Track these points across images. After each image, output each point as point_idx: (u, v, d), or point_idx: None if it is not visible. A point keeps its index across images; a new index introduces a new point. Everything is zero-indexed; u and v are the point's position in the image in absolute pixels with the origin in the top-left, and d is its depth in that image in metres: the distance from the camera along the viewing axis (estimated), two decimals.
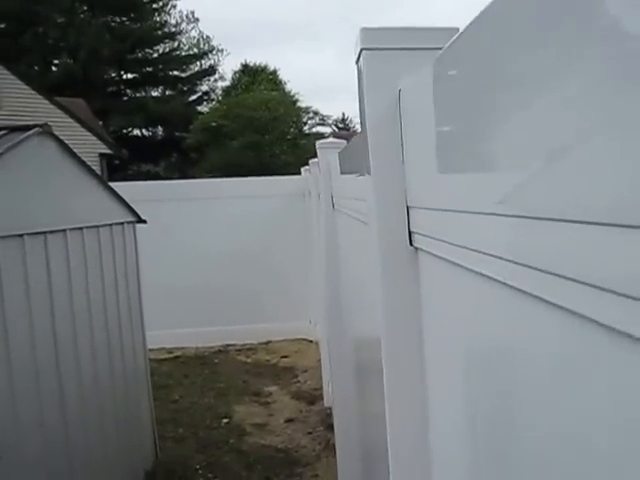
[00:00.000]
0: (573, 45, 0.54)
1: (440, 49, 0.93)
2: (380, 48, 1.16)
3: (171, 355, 7.28)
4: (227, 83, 32.70)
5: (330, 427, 4.36)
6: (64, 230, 3.44)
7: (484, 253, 0.78)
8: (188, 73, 32.56)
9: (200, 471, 4.62)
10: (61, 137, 3.57)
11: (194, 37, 32.23)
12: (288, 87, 31.03)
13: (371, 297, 1.44)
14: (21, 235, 3.04)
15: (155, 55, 31.56)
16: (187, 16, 31.68)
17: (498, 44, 0.73)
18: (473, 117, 0.83)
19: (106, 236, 3.92)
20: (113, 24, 29.51)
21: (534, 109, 0.63)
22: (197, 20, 31.93)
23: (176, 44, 31.95)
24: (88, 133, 19.19)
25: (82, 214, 3.69)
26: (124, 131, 30.09)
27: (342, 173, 2.88)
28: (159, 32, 31.36)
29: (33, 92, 18.17)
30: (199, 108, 32.34)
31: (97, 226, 3.81)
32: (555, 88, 0.58)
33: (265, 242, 7.60)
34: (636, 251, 0.45)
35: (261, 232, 7.61)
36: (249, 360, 7.28)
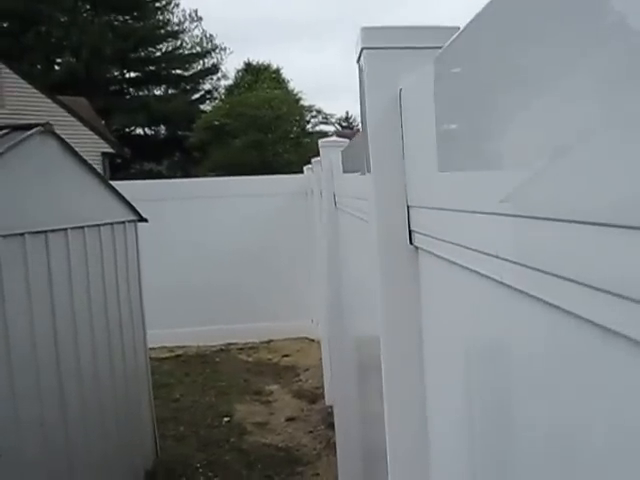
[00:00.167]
0: (574, 43, 0.54)
1: (441, 48, 0.93)
2: (381, 47, 1.16)
3: (172, 354, 7.28)
4: (230, 82, 32.67)
5: (331, 426, 4.36)
6: (65, 229, 3.44)
7: (484, 252, 0.78)
8: (191, 72, 32.54)
9: (201, 470, 4.62)
10: (63, 136, 3.58)
11: (197, 36, 32.24)
12: (291, 86, 30.96)
13: (372, 296, 1.43)
14: (22, 234, 3.04)
15: (158, 54, 31.55)
16: (190, 15, 31.70)
17: (499, 42, 0.73)
18: (474, 117, 0.83)
19: (107, 235, 3.92)
20: (116, 23, 29.51)
21: (534, 108, 0.63)
22: (200, 19, 31.95)
23: (179, 43, 31.96)
24: (90, 132, 19.20)
25: (83, 213, 3.69)
26: (127, 130, 30.09)
27: (344, 172, 2.88)
28: (162, 31, 31.34)
29: (35, 91, 18.18)
30: (202, 107, 32.30)
31: (98, 225, 3.81)
32: (555, 87, 0.57)
33: (267, 241, 7.59)
34: (634, 252, 0.45)
35: (263, 231, 7.61)
36: (250, 359, 7.28)
